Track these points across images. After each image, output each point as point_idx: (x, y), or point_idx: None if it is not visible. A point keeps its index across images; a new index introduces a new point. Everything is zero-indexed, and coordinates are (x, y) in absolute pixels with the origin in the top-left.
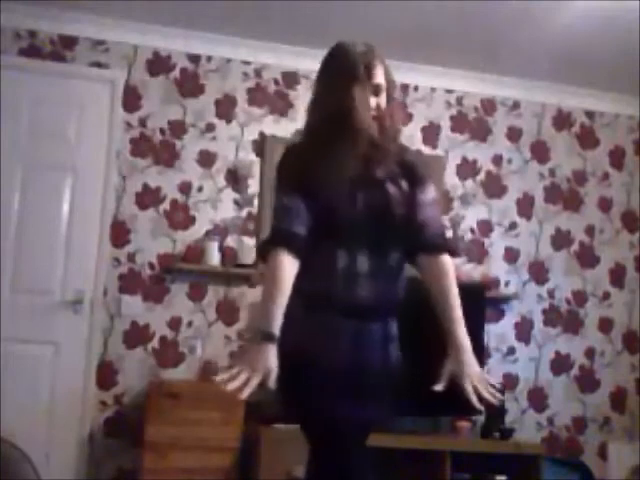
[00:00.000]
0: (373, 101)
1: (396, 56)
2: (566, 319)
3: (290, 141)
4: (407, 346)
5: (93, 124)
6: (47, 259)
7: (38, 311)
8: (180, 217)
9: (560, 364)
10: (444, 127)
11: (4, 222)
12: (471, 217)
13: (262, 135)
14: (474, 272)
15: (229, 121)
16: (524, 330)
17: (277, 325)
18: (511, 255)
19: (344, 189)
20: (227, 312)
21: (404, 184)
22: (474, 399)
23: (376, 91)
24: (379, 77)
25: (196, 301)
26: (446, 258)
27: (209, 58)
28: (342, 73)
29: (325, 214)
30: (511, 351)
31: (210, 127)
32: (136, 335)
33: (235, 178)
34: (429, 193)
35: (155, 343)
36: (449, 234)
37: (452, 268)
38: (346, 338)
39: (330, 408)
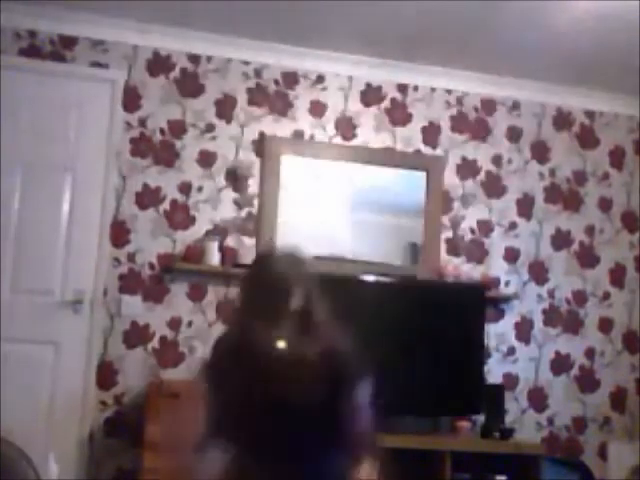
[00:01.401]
0: (289, 323)
1: (396, 56)
2: (566, 319)
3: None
4: (407, 346)
5: (93, 124)
6: (47, 259)
7: (38, 311)
8: (180, 217)
9: (560, 364)
10: (444, 127)
11: (4, 222)
12: (471, 217)
13: (262, 135)
14: (474, 272)
15: (229, 121)
16: (524, 330)
17: None
18: (511, 255)
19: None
20: (227, 312)
21: (326, 393)
22: None
23: (294, 316)
24: (297, 300)
25: (196, 301)
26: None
27: (209, 58)
28: (259, 298)
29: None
30: (511, 351)
31: (210, 127)
32: (136, 335)
33: (235, 178)
34: (354, 400)
35: (155, 343)
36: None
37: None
38: None
39: None
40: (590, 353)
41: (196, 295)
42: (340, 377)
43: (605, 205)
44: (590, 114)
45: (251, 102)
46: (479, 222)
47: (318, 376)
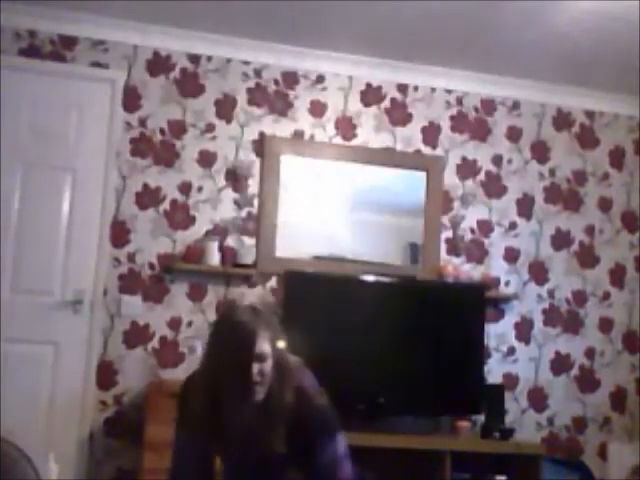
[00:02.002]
0: (256, 367)
1: (396, 56)
2: (566, 319)
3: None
4: (407, 346)
5: (93, 124)
6: (47, 259)
7: (38, 311)
8: (180, 217)
9: (560, 364)
10: (444, 127)
11: (4, 222)
12: (471, 217)
13: (262, 135)
14: (474, 272)
15: (229, 121)
16: (524, 330)
17: None
18: (511, 255)
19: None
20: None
21: (296, 446)
22: None
23: (259, 358)
24: (262, 346)
25: (196, 301)
26: None
27: (209, 58)
28: (225, 345)
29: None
30: (511, 351)
31: (210, 127)
32: (136, 335)
33: (235, 178)
34: (326, 454)
35: (155, 343)
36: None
37: None
38: None
39: None
40: (590, 353)
41: (196, 295)
42: (318, 427)
43: (605, 205)
44: (590, 114)
45: (251, 102)
46: (479, 222)
47: (295, 425)
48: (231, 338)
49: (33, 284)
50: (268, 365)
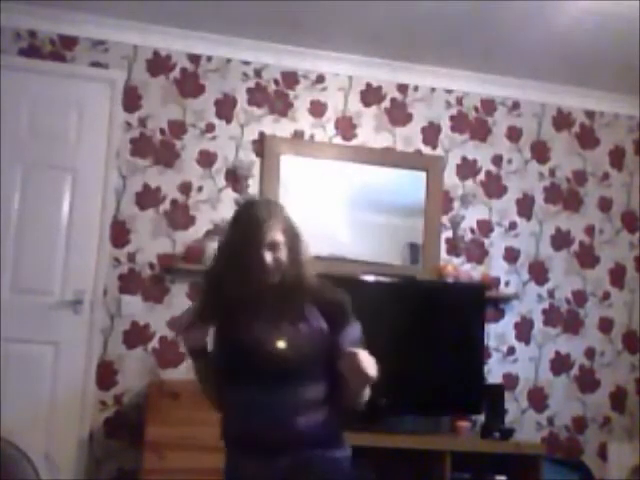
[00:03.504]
0: (269, 255)
1: (396, 56)
2: (566, 319)
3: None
4: (407, 346)
5: (93, 124)
6: (47, 259)
7: (38, 311)
8: (180, 217)
9: (560, 364)
10: (444, 127)
11: (4, 222)
12: (471, 217)
13: (262, 135)
14: (474, 272)
15: (229, 121)
16: (524, 330)
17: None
18: (511, 255)
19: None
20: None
21: (322, 323)
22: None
23: (272, 246)
24: (275, 234)
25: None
26: None
27: (209, 58)
28: (239, 233)
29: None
30: (511, 351)
31: (210, 127)
32: (136, 335)
33: (235, 178)
34: (349, 334)
35: (155, 343)
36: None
37: None
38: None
39: None
40: (590, 353)
41: (196, 295)
42: (340, 309)
43: (605, 205)
44: (590, 114)
45: (251, 102)
46: (479, 222)
47: (316, 300)
48: (245, 225)
49: (33, 284)
50: (282, 253)
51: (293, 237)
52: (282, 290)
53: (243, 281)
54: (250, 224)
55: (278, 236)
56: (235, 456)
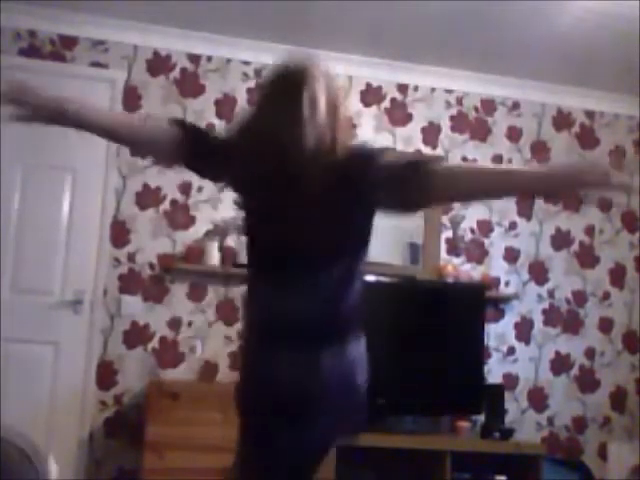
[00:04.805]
0: (306, 108)
1: (396, 56)
2: (566, 319)
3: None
4: (407, 346)
5: None
6: (47, 259)
7: (38, 311)
8: (180, 217)
9: (560, 364)
10: (444, 127)
11: (4, 222)
12: (471, 217)
13: None
14: (474, 272)
15: (229, 121)
16: (524, 330)
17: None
18: (511, 255)
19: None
20: (227, 312)
21: (354, 191)
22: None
23: (311, 99)
24: (314, 86)
25: (196, 301)
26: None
27: (209, 58)
28: (276, 87)
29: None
30: (511, 351)
31: (210, 127)
32: (136, 335)
33: None
34: (394, 164)
35: (155, 343)
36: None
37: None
38: (275, 370)
39: (266, 440)
40: (590, 353)
41: (196, 295)
42: (362, 161)
43: (605, 205)
44: (590, 114)
45: (251, 102)
46: (479, 222)
47: (347, 166)
48: (281, 77)
49: (33, 284)
50: (321, 108)
51: (333, 98)
52: (315, 163)
53: (273, 141)
54: (287, 73)
55: (319, 87)
56: (264, 348)
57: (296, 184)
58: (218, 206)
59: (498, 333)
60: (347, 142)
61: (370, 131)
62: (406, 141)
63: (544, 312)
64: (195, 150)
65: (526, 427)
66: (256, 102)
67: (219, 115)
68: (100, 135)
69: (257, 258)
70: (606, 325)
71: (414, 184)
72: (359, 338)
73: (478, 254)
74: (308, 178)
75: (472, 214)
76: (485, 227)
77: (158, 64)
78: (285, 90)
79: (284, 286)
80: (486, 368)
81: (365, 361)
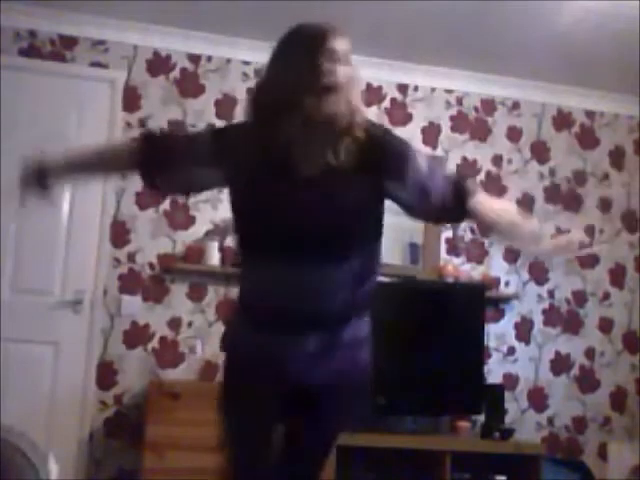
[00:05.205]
0: (327, 66)
1: (396, 56)
2: (566, 319)
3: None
4: (407, 346)
5: (93, 124)
6: (47, 259)
7: (38, 311)
8: (180, 217)
9: (560, 364)
10: (444, 127)
11: (4, 222)
12: None
13: None
14: (474, 272)
15: (229, 121)
16: (524, 330)
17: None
18: (511, 255)
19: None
20: (227, 312)
21: (364, 192)
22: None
23: (332, 56)
24: (337, 44)
25: (196, 301)
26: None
27: (209, 58)
28: (293, 42)
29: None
30: (511, 351)
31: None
32: (136, 335)
33: None
34: (419, 167)
35: (155, 343)
36: (457, 177)
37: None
38: (268, 352)
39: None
40: (590, 353)
41: (196, 295)
42: (387, 150)
43: (605, 205)
44: (590, 114)
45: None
46: None
47: (365, 146)
48: (300, 36)
49: (33, 284)
50: (342, 71)
51: (351, 69)
52: (333, 137)
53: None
54: (306, 32)
55: (341, 45)
56: (255, 331)
57: (309, 161)
58: (218, 206)
59: (498, 333)
60: (364, 120)
61: None
62: None
63: (544, 312)
64: (157, 157)
65: (526, 427)
66: (269, 59)
67: (219, 115)
68: (88, 174)
69: (262, 242)
70: (606, 325)
71: (451, 211)
72: (367, 320)
73: (478, 254)
74: (324, 155)
75: None
76: None
77: (158, 64)
78: (302, 42)
79: (300, 270)
80: (486, 368)
81: (370, 342)
